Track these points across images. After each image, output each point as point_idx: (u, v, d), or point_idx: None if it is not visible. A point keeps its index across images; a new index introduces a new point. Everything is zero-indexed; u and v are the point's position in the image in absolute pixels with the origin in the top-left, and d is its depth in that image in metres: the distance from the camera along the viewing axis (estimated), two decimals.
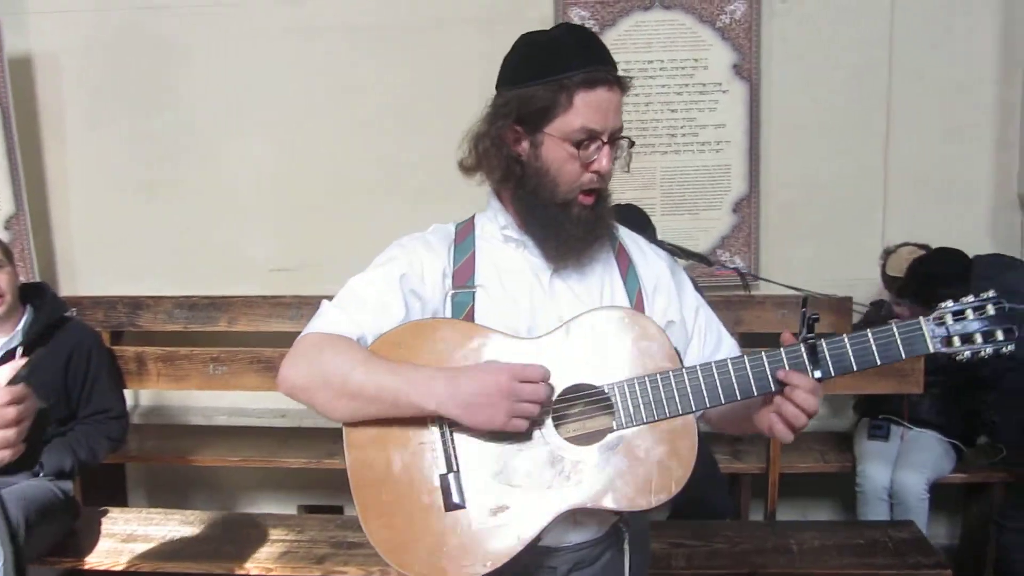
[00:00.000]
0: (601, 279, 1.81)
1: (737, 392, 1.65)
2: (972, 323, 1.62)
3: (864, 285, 4.32)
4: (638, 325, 1.70)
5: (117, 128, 4.67)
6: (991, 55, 4.27)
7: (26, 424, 1.47)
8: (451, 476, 1.65)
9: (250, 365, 3.77)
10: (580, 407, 1.68)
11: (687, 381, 1.65)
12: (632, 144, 1.79)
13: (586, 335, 1.68)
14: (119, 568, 3.29)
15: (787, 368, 1.63)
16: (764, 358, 1.65)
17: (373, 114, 4.49)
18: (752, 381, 1.65)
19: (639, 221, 3.68)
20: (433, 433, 1.67)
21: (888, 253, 3.97)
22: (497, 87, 1.78)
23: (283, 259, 4.65)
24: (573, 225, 1.73)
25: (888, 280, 3.94)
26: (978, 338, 1.62)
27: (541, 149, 1.71)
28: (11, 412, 1.43)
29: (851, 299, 4.35)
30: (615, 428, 1.65)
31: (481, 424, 1.60)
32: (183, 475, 4.72)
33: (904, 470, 3.77)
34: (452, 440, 1.67)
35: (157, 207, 4.71)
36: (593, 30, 4.14)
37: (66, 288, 4.77)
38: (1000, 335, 1.61)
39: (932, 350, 1.62)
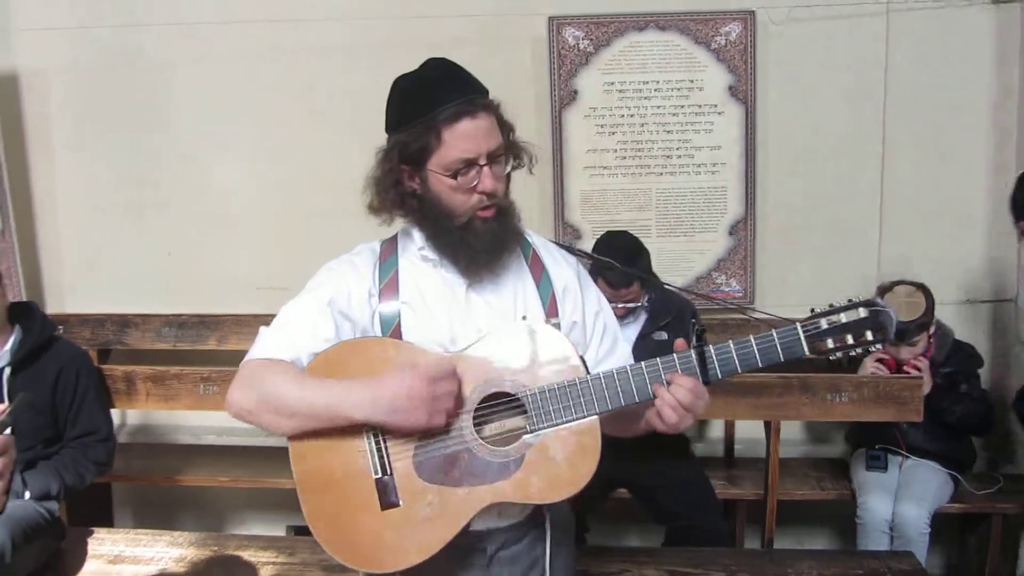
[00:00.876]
0: (514, 288, 1.97)
1: (635, 395, 1.82)
2: (843, 324, 1.76)
3: None
4: (547, 338, 1.86)
5: (104, 146, 4.65)
6: (986, 78, 4.28)
7: (8, 477, 1.51)
8: (385, 479, 1.83)
9: None
10: (498, 412, 1.85)
11: (591, 387, 1.81)
12: (518, 157, 1.93)
13: (501, 347, 1.84)
14: None
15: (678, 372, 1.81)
16: (659, 363, 1.81)
17: (361, 133, 4.41)
18: (648, 385, 1.81)
19: (631, 249, 3.65)
20: (367, 441, 1.84)
21: (883, 291, 3.90)
22: (386, 130, 1.98)
23: (272, 277, 4.61)
24: (478, 240, 1.89)
25: None
26: (848, 339, 1.77)
27: (428, 183, 1.89)
28: None
29: None
30: (529, 430, 1.82)
31: (407, 427, 1.77)
32: (170, 495, 4.67)
33: (905, 502, 3.74)
34: (385, 446, 1.84)
35: (145, 225, 4.69)
36: (588, 50, 4.22)
37: (53, 306, 4.73)
38: (869, 335, 1.76)
39: (808, 352, 1.77)
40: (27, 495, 3.21)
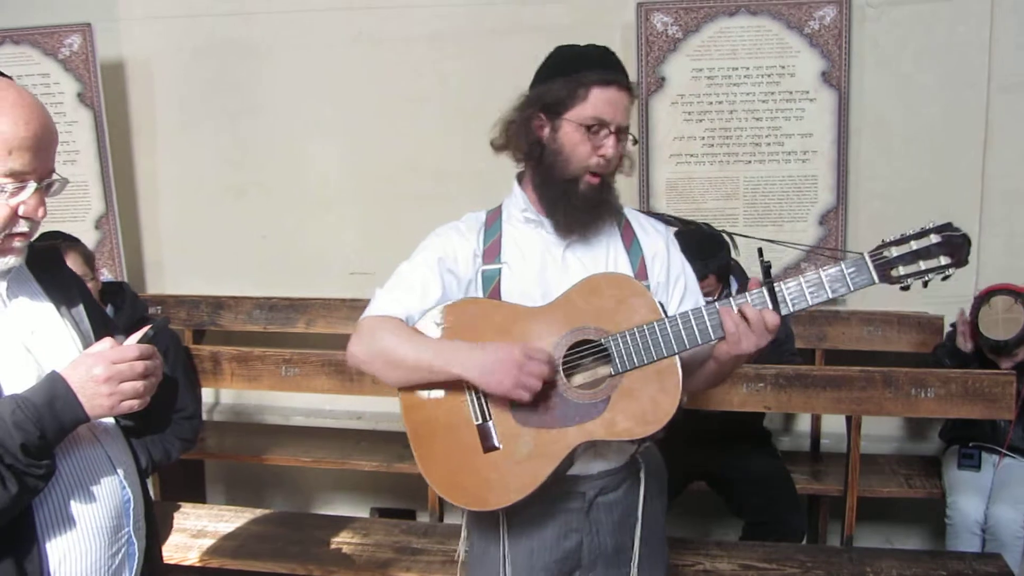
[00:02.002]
0: (607, 251, 2.14)
1: (711, 332, 1.93)
2: (914, 251, 1.81)
3: (957, 304, 4.15)
4: (626, 286, 2.01)
5: (205, 132, 4.81)
6: None
7: (154, 380, 1.69)
8: (486, 424, 2.02)
9: (322, 368, 3.81)
10: (585, 359, 2.01)
11: (669, 328, 1.93)
12: (636, 142, 2.14)
13: (584, 297, 2.00)
14: (188, 563, 3.38)
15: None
16: (732, 302, 1.91)
17: (457, 119, 4.51)
18: (718, 324, 1.93)
19: (706, 242, 3.38)
20: (469, 392, 2.04)
21: (980, 302, 3.74)
22: (530, 88, 2.14)
23: (363, 262, 4.72)
24: (579, 199, 2.06)
25: (979, 332, 3.70)
26: (921, 264, 1.81)
27: (559, 132, 2.05)
28: (140, 366, 1.65)
29: (942, 318, 4.20)
30: (613, 373, 1.96)
31: (493, 388, 1.94)
32: (260, 474, 4.82)
33: (1000, 504, 3.60)
34: (484, 395, 2.02)
35: (241, 209, 4.83)
36: (676, 36, 4.17)
37: (153, 287, 4.93)
38: (943, 260, 1.80)
39: (877, 280, 1.83)
40: None
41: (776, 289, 1.88)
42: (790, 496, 3.69)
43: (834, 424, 4.20)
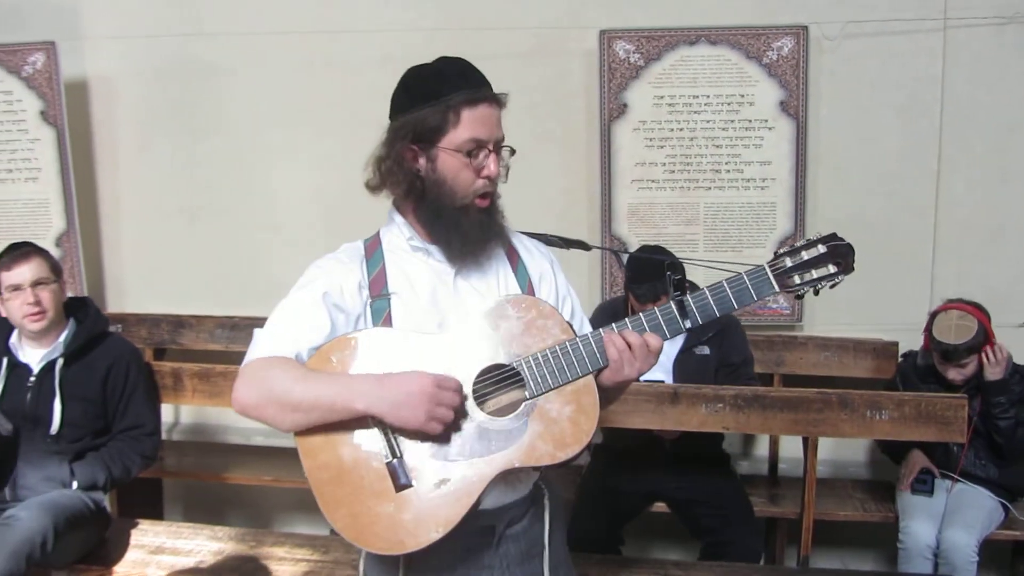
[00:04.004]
0: (497, 274, 2.08)
1: (597, 359, 1.92)
2: (805, 261, 1.93)
3: (911, 330, 4.24)
4: (535, 307, 1.97)
5: (166, 151, 4.81)
6: None
7: None
8: (396, 461, 1.88)
9: None
10: (496, 384, 1.94)
11: (582, 348, 1.92)
12: (513, 152, 2.02)
13: (492, 321, 1.94)
14: None
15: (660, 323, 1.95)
16: (642, 318, 1.94)
17: None
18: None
19: (658, 264, 3.44)
20: (376, 428, 1.89)
21: (935, 313, 3.84)
22: (391, 117, 2.05)
23: None
24: (472, 227, 1.98)
25: (932, 338, 3.78)
26: (813, 273, 1.93)
27: (437, 163, 1.96)
28: None
29: (897, 344, 4.29)
30: (528, 397, 1.91)
31: (404, 422, 1.83)
32: (220, 493, 4.79)
33: (954, 528, 3.64)
34: (392, 430, 1.89)
35: (203, 229, 4.83)
36: (638, 64, 4.24)
37: (113, 305, 4.91)
38: (831, 267, 1.94)
39: (777, 289, 1.93)
40: (75, 485, 3.34)
41: (684, 302, 1.93)
42: (748, 518, 3.72)
43: (792, 449, 4.26)
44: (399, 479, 1.87)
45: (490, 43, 4.42)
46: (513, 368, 1.92)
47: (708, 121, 4.35)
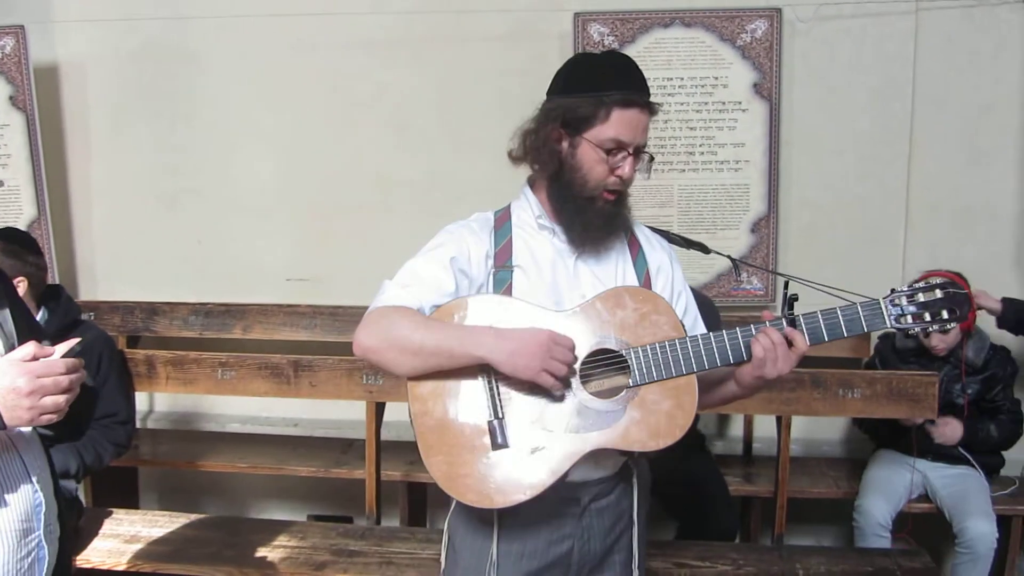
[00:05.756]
0: (616, 263, 2.14)
1: (730, 355, 1.99)
2: (922, 303, 1.95)
3: None
4: (651, 301, 2.04)
5: (140, 137, 4.78)
6: (1016, 78, 4.23)
7: (74, 393, 1.67)
8: (497, 422, 1.97)
9: (259, 371, 3.79)
10: (602, 368, 2.01)
11: (690, 347, 1.98)
12: (652, 159, 2.09)
13: (609, 308, 2.01)
14: (120, 568, 3.33)
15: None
16: (753, 329, 1.98)
17: (395, 127, 4.55)
18: (742, 347, 1.98)
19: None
20: (483, 384, 1.99)
21: (922, 274, 3.84)
22: (548, 94, 2.10)
23: (299, 269, 4.72)
24: (596, 216, 2.05)
25: None
26: (926, 316, 1.95)
27: (578, 150, 2.03)
28: (64, 381, 1.63)
29: None
30: (631, 384, 1.97)
31: (519, 371, 1.91)
32: (195, 481, 4.77)
33: (974, 519, 3.63)
34: (498, 392, 1.99)
35: (177, 215, 4.80)
36: (613, 46, 4.23)
37: (85, 293, 4.87)
38: (945, 314, 1.95)
39: (889, 325, 1.95)
40: None
41: (796, 323, 1.96)
42: (723, 497, 3.76)
43: (766, 428, 4.29)
44: (497, 439, 1.97)
45: (466, 26, 4.44)
46: (621, 355, 1.98)
47: (682, 103, 4.35)
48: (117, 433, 3.51)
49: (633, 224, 2.21)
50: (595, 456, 2.00)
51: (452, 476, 1.99)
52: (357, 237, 4.58)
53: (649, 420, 1.95)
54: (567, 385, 1.97)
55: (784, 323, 1.96)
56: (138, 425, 4.27)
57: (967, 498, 3.73)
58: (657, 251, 2.21)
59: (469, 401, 2.00)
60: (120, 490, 4.31)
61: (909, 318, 1.95)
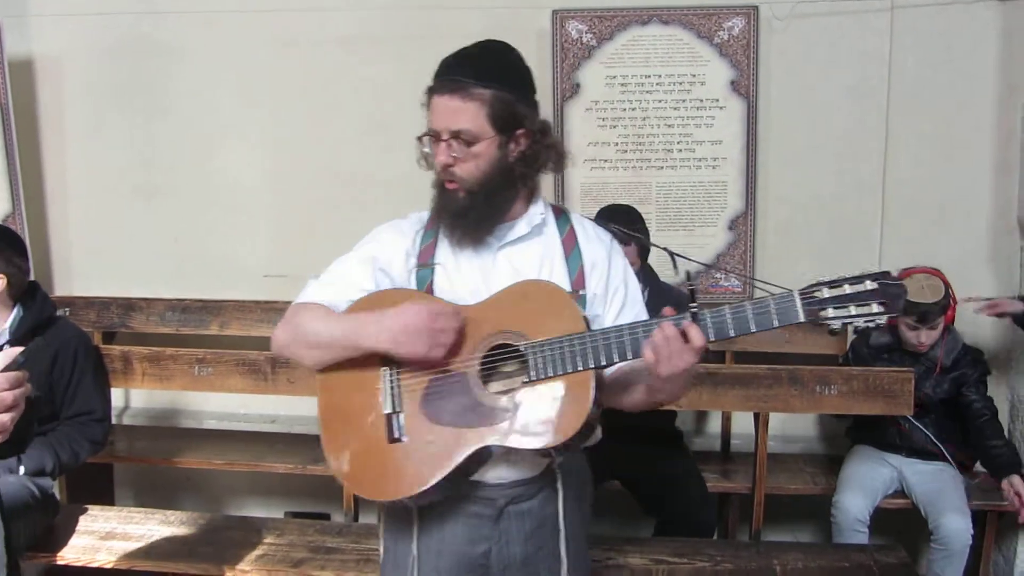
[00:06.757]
0: (541, 259, 2.11)
1: (628, 351, 1.89)
2: (847, 295, 1.77)
3: None
4: (555, 295, 1.99)
5: (116, 131, 4.74)
6: (991, 76, 4.24)
7: (19, 410, 1.57)
8: (394, 415, 2.00)
9: (236, 367, 3.78)
10: (503, 362, 1.99)
11: (588, 343, 1.91)
12: (470, 144, 2.00)
13: (513, 302, 1.99)
14: (95, 565, 3.30)
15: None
16: (654, 322, 1.88)
17: (373, 124, 4.52)
18: (641, 343, 1.87)
19: (631, 216, 3.74)
20: (384, 378, 2.02)
21: (903, 272, 3.83)
22: None
23: (277, 266, 4.69)
24: (448, 205, 2.07)
25: (908, 306, 3.71)
26: (852, 309, 1.76)
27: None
28: (7, 397, 1.54)
29: None
30: (526, 380, 1.94)
31: (407, 354, 1.94)
32: (172, 478, 4.74)
33: (948, 515, 3.61)
34: (399, 384, 2.01)
35: (153, 211, 4.77)
36: (591, 44, 4.23)
37: (61, 288, 4.84)
38: (875, 307, 1.76)
39: (803, 319, 1.79)
40: (22, 470, 3.26)
41: (700, 317, 1.84)
42: (701, 494, 3.74)
43: (744, 425, 4.29)
44: (393, 432, 1.98)
45: (444, 23, 4.42)
46: (520, 350, 1.95)
47: (660, 101, 4.35)
48: (93, 430, 3.47)
49: (572, 217, 2.20)
50: (508, 456, 2.00)
51: (348, 467, 2.02)
52: (335, 233, 4.40)
53: (541, 417, 1.92)
54: (465, 377, 1.97)
55: (687, 316, 1.83)
56: (114, 421, 4.23)
57: (942, 494, 3.72)
58: (595, 246, 2.16)
59: (371, 394, 2.02)
60: (96, 487, 4.28)
61: (831, 310, 1.77)
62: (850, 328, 1.79)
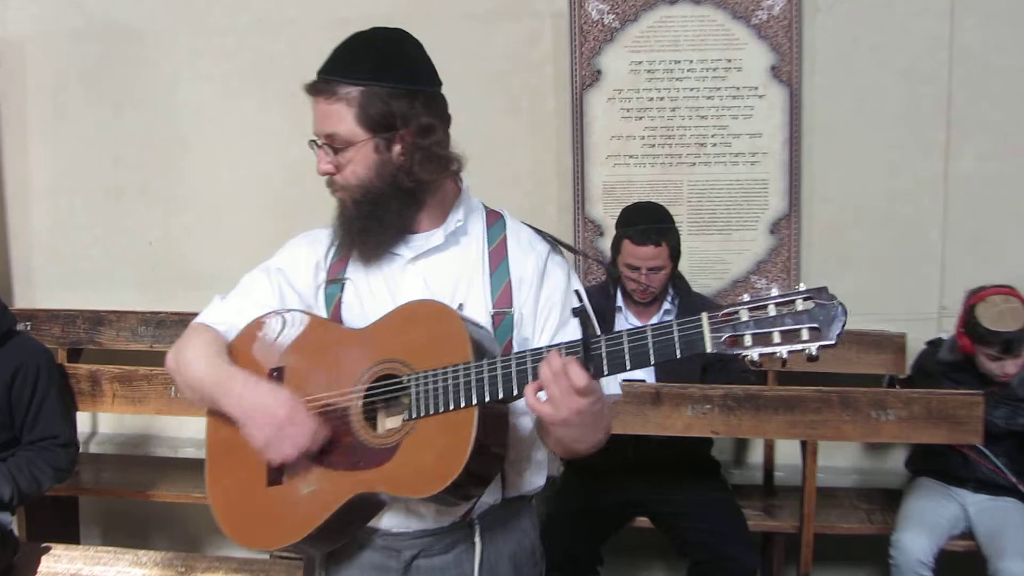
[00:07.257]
0: (461, 271, 2.02)
1: (514, 386, 1.75)
2: (771, 318, 1.57)
3: (921, 320, 4.21)
4: (444, 318, 1.87)
5: (84, 125, 4.75)
6: None
7: None
8: None
9: None
10: (386, 396, 1.91)
11: (473, 375, 1.77)
12: (337, 150, 2.00)
13: (401, 326, 1.90)
14: None
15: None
16: (543, 350, 1.74)
17: None
18: (529, 375, 1.73)
19: (660, 214, 3.76)
20: None
21: (974, 297, 3.69)
22: None
23: None
24: (337, 216, 2.06)
25: (983, 332, 3.61)
26: (775, 337, 1.56)
27: None
28: None
29: (904, 336, 4.25)
30: (408, 418, 1.84)
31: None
32: (144, 512, 4.70)
33: (1008, 559, 3.50)
34: None
35: (125, 212, 4.77)
36: (613, 25, 4.18)
37: (21, 300, 4.85)
38: (805, 334, 1.54)
39: (711, 349, 1.59)
40: None
41: (593, 348, 1.68)
42: (740, 532, 3.67)
43: (789, 455, 4.21)
44: (271, 475, 1.94)
45: (448, 4, 4.39)
46: (403, 382, 1.86)
47: (691, 89, 4.29)
48: (57, 456, 3.39)
49: (508, 226, 2.08)
50: (405, 504, 1.93)
51: (226, 511, 2.00)
52: None
53: (418, 461, 1.80)
54: (348, 413, 1.90)
55: (580, 345, 1.68)
56: (80, 449, 4.17)
57: (1005, 533, 3.62)
58: (529, 259, 2.04)
59: None
60: (59, 522, 4.24)
61: (747, 338, 1.57)
62: (777, 358, 1.57)
